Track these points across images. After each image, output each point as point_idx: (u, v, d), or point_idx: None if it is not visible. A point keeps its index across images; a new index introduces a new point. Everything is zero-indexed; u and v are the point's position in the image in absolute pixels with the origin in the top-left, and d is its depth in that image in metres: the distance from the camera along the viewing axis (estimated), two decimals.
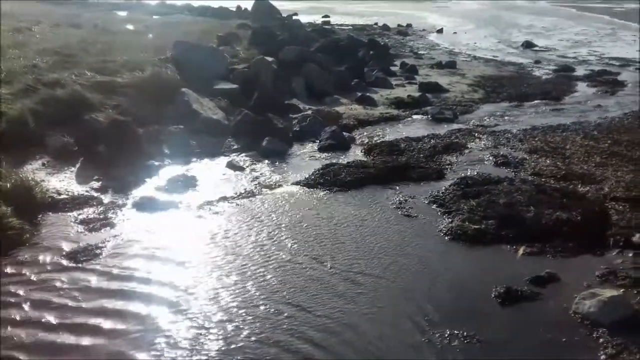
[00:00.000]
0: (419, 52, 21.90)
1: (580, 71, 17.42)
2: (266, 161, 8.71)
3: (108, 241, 5.94)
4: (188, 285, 5.11)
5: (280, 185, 7.71)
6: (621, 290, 4.97)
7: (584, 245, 5.89)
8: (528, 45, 23.60)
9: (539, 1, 56.59)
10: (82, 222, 6.41)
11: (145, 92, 10.72)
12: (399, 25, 32.34)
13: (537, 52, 22.01)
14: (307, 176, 7.99)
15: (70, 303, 4.84)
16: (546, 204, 6.66)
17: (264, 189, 7.53)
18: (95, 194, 7.23)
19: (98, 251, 5.72)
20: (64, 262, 5.52)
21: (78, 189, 7.36)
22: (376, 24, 32.92)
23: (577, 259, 5.68)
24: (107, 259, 5.58)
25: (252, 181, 7.85)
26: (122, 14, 30.92)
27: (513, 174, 7.97)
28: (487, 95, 13.84)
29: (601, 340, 4.40)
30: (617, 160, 8.49)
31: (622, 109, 12.24)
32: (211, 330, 4.48)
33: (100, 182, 7.58)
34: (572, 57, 20.75)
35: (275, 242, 5.96)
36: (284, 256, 5.66)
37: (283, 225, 6.40)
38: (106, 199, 7.11)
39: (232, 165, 8.45)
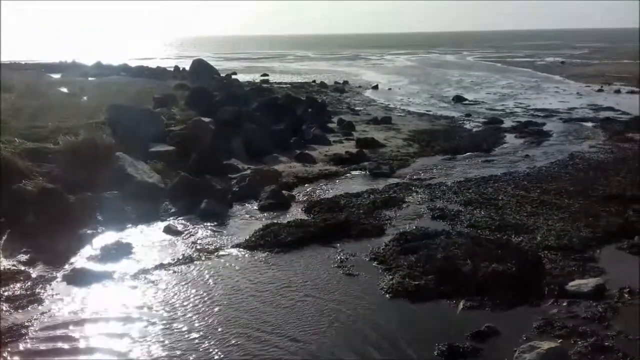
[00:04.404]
0: (356, 108, 22.46)
1: (508, 123, 18.24)
2: (205, 224, 8.55)
3: (35, 319, 5.61)
4: None
5: (219, 249, 7.55)
6: (559, 341, 5.08)
7: (521, 296, 6.02)
8: (458, 99, 24.66)
9: (467, 57, 59.75)
10: (8, 299, 6.05)
11: (77, 157, 10.42)
12: (336, 82, 33.20)
13: (467, 106, 22.99)
14: (247, 238, 7.88)
15: None
16: (482, 256, 6.80)
17: (202, 254, 7.36)
18: (23, 268, 6.87)
19: (24, 331, 5.38)
20: None
21: (4, 263, 6.99)
22: (314, 81, 33.70)
23: (515, 311, 5.79)
24: (33, 339, 5.25)
25: (190, 246, 7.67)
26: (56, 76, 30.39)
27: (450, 226, 8.14)
28: (422, 149, 14.25)
29: None
30: (546, 209, 8.83)
31: (548, 158, 12.85)
32: None
33: (28, 255, 7.23)
34: (500, 109, 21.78)
35: (212, 313, 5.78)
36: (222, 327, 5.49)
37: (221, 293, 6.22)
38: (35, 272, 6.76)
39: (169, 230, 8.25)
